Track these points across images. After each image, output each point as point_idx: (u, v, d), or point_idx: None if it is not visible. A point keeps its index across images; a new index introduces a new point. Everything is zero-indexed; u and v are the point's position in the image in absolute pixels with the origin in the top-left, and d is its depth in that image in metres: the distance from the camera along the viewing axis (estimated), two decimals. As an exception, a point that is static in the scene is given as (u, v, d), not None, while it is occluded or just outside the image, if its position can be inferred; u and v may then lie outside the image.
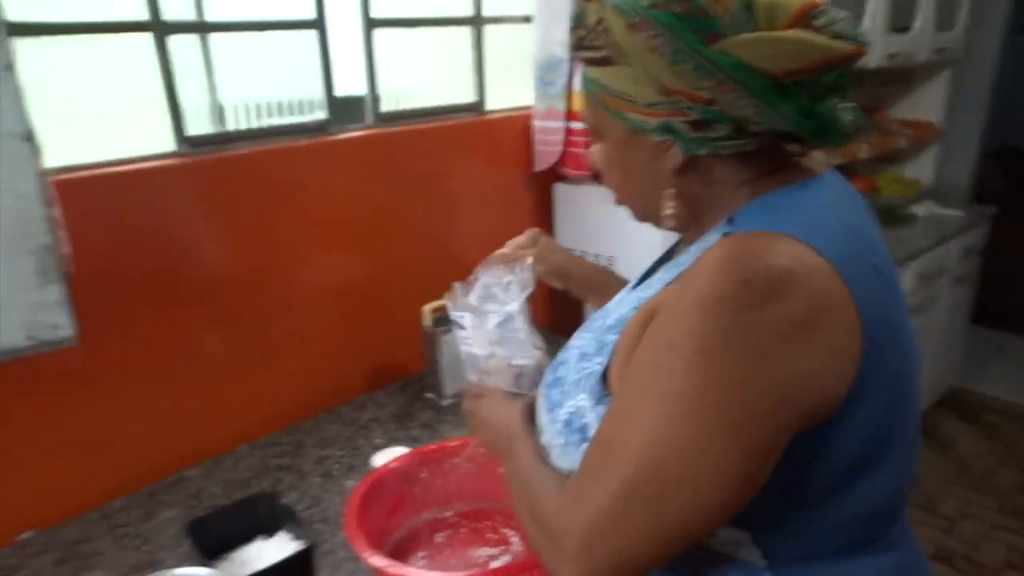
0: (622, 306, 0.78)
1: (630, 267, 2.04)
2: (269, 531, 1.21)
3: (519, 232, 1.17)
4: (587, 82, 0.76)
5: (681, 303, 0.65)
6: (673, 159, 0.72)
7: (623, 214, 0.85)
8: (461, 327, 1.06)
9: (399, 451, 1.38)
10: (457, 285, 1.09)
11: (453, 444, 1.29)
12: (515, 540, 1.23)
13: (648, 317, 0.70)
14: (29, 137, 1.07)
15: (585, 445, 0.73)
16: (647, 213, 0.81)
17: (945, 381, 3.31)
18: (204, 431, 1.52)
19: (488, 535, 1.24)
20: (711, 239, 0.71)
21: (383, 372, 1.80)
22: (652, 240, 1.94)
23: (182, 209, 1.42)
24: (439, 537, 1.24)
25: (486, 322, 1.02)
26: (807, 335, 0.62)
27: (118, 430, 1.42)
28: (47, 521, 1.34)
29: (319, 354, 1.68)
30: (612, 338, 0.75)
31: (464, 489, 1.30)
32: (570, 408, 0.77)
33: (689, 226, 0.79)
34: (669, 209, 0.76)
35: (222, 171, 1.46)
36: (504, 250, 1.13)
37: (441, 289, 1.75)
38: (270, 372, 1.60)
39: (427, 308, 1.64)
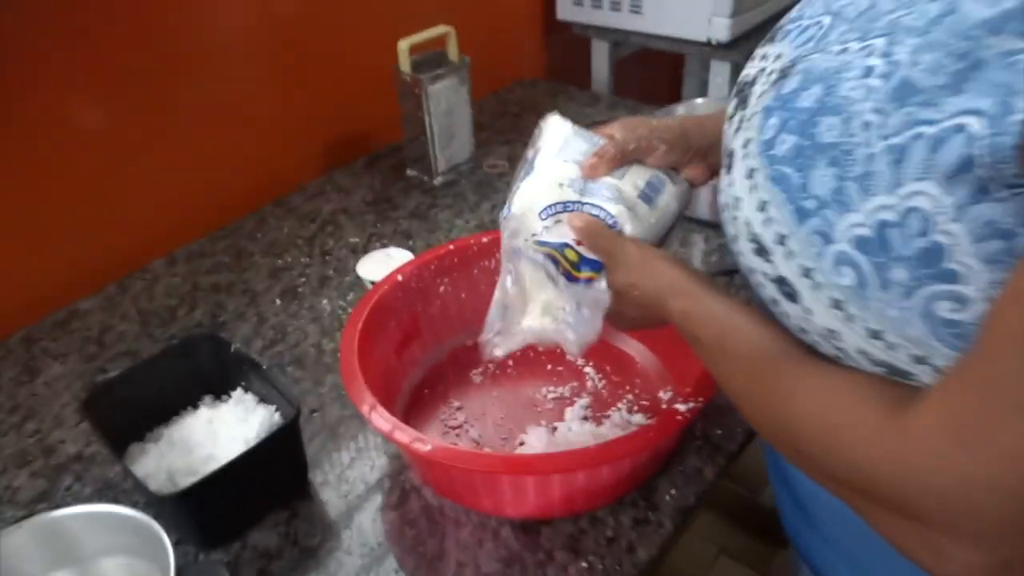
0: None
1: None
2: (218, 390, 0.79)
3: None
4: None
5: None
6: None
7: None
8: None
9: (398, 254, 0.94)
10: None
11: (483, 240, 0.86)
12: (589, 371, 0.84)
13: None
14: None
15: (939, 288, 0.36)
16: None
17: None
18: (97, 243, 1.04)
19: (547, 366, 0.85)
20: None
21: (343, 144, 1.30)
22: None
23: None
24: (476, 375, 0.85)
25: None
26: None
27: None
28: None
29: (251, 124, 1.16)
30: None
31: (502, 303, 0.89)
32: (882, 210, 0.37)
33: None
34: None
35: None
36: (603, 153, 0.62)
37: (416, 22, 1.21)
38: (184, 153, 1.09)
39: (403, 44, 1.11)
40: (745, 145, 0.44)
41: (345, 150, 1.30)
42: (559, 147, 0.63)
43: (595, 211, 0.60)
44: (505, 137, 1.33)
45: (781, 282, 0.42)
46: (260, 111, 1.17)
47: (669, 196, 0.63)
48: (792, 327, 0.44)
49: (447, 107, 1.15)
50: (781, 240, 0.41)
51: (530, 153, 0.65)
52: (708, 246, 1.03)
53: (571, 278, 0.64)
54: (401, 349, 0.83)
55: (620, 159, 0.61)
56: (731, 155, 0.46)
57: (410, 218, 1.14)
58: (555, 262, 0.63)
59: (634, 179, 0.62)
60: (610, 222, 0.61)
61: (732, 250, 0.48)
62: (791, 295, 0.42)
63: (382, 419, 0.64)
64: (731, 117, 0.49)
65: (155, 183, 1.07)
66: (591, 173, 0.61)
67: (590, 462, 0.59)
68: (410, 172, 1.24)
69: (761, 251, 0.43)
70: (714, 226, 1.06)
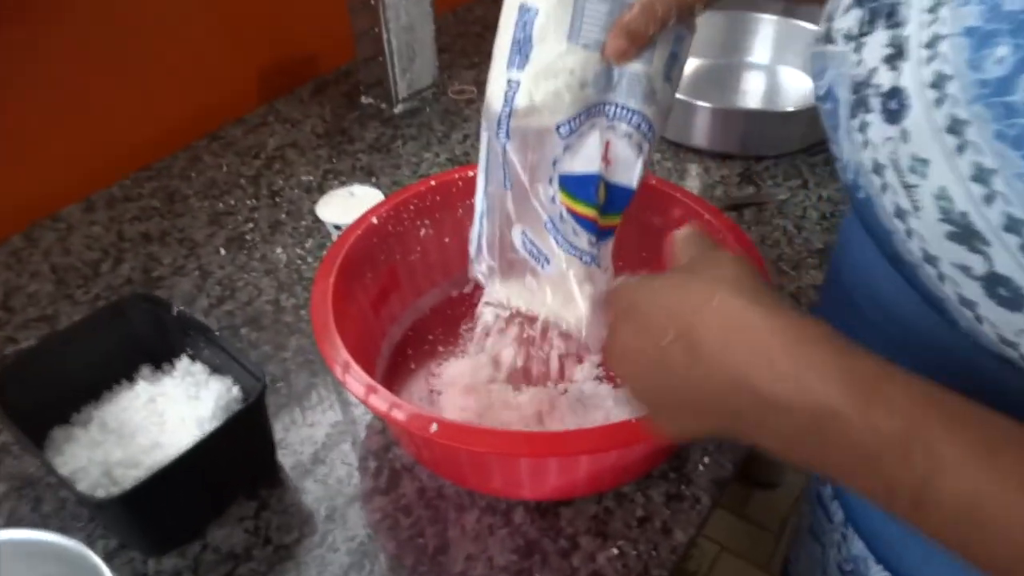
0: None
1: None
2: (158, 360, 0.65)
3: None
4: None
5: None
6: None
7: None
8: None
9: (363, 193, 0.81)
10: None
11: (468, 175, 0.73)
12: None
13: None
14: None
15: None
16: None
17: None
18: (-6, 186, 0.87)
19: (546, 318, 0.75)
20: None
21: (285, 69, 1.14)
22: None
23: None
24: (465, 331, 0.74)
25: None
26: None
27: None
28: None
29: (177, 46, 0.99)
30: None
31: (490, 247, 0.77)
32: None
33: None
34: None
35: None
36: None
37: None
38: (98, 81, 0.92)
39: (355, -54, 0.95)
40: (936, 85, 0.30)
41: (288, 75, 1.14)
42: (569, 14, 0.45)
43: (631, 119, 0.48)
44: (470, 60, 1.19)
45: (997, 281, 0.31)
46: (187, 30, 0.99)
47: (684, 58, 0.51)
48: (986, 335, 0.33)
49: (407, 22, 1.00)
50: (1014, 226, 0.29)
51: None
52: (709, 178, 0.93)
53: (601, 233, 0.53)
54: (378, 304, 0.71)
55: (654, 35, 0.48)
56: (895, 96, 0.33)
57: (370, 152, 1.00)
58: (588, 224, 0.51)
59: (662, 54, 0.49)
60: (648, 134, 0.49)
61: (885, 226, 0.35)
62: (1012, 301, 0.31)
63: (378, 399, 0.52)
64: (860, 35, 0.36)
65: (64, 116, 0.90)
66: (621, 61, 0.48)
67: (633, 437, 0.49)
68: (366, 100, 1.09)
69: (966, 237, 0.31)
70: (712, 155, 0.96)
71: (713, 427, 0.36)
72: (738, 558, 1.48)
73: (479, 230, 0.56)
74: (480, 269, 0.57)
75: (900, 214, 0.34)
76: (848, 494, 0.54)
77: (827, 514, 0.60)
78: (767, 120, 0.96)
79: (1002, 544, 0.27)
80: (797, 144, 0.96)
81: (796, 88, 1.06)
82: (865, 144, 0.35)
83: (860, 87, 0.35)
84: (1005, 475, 0.27)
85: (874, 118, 0.34)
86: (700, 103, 0.93)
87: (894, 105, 0.33)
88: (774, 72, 1.09)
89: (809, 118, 0.93)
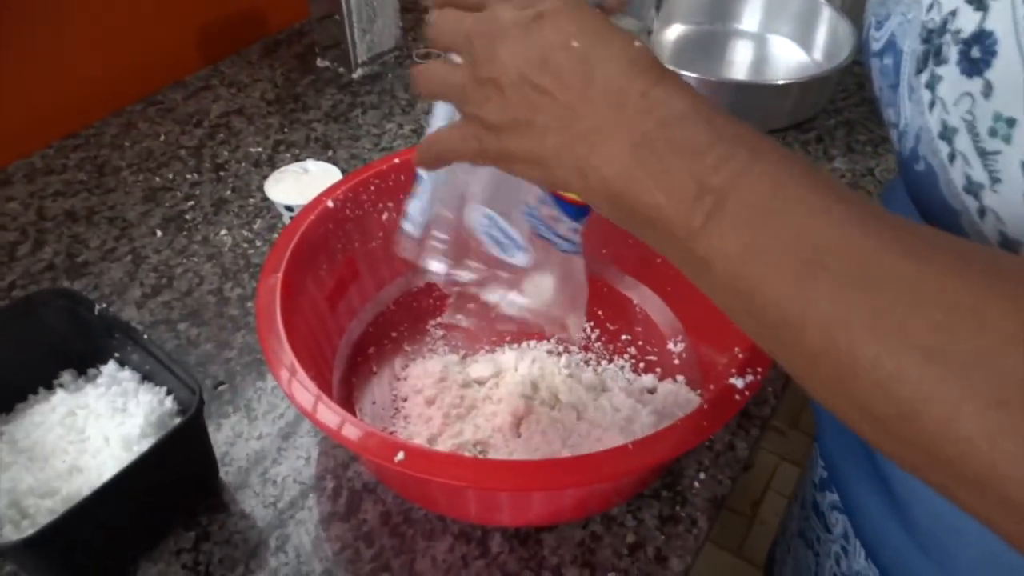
0: None
1: None
2: (82, 364, 0.57)
3: None
4: None
5: None
6: None
7: None
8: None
9: (318, 169, 0.72)
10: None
11: (436, 151, 0.65)
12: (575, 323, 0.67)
13: None
14: None
15: None
16: None
17: None
18: None
19: (522, 312, 0.68)
20: None
21: (231, 25, 1.03)
22: None
23: None
24: (434, 327, 0.66)
25: None
26: None
27: None
28: None
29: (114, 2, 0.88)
30: None
31: (461, 232, 0.70)
32: None
33: None
34: None
35: None
36: None
37: None
38: (17, 36, 0.81)
39: None
40: None
41: (235, 33, 1.03)
42: None
43: None
44: (435, 20, 1.10)
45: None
46: (116, -23, 0.88)
47: None
48: None
49: (368, -22, 0.91)
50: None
51: None
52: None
53: (579, 212, 0.46)
54: (335, 297, 0.63)
55: None
56: (978, 41, 0.27)
57: (326, 121, 0.91)
58: (572, 209, 0.43)
59: None
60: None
61: (951, 205, 0.30)
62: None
63: (328, 410, 0.45)
64: None
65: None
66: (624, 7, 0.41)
67: (629, 466, 0.43)
68: (321, 63, 0.99)
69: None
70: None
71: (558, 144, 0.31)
72: (708, 541, 1.45)
73: (424, 205, 0.49)
74: (433, 244, 0.50)
75: (972, 189, 0.28)
76: (855, 506, 0.49)
77: (825, 523, 0.56)
78: (756, 93, 0.89)
79: (784, 253, 0.25)
80: (787, 120, 0.90)
81: (787, 59, 1.00)
82: (933, 104, 0.29)
83: (933, 35, 0.29)
84: (814, 180, 0.26)
85: (948, 71, 0.28)
86: (685, 73, 0.86)
87: (976, 52, 0.27)
88: (763, 41, 1.02)
89: (800, 91, 0.87)
